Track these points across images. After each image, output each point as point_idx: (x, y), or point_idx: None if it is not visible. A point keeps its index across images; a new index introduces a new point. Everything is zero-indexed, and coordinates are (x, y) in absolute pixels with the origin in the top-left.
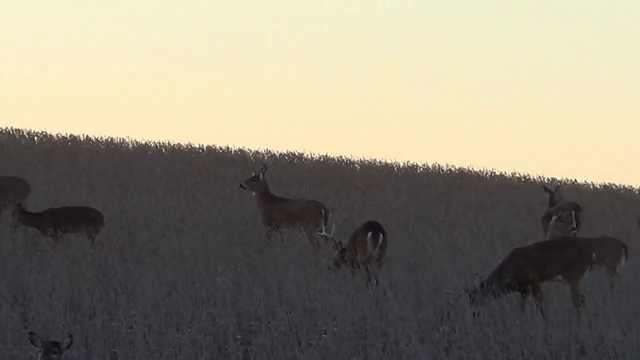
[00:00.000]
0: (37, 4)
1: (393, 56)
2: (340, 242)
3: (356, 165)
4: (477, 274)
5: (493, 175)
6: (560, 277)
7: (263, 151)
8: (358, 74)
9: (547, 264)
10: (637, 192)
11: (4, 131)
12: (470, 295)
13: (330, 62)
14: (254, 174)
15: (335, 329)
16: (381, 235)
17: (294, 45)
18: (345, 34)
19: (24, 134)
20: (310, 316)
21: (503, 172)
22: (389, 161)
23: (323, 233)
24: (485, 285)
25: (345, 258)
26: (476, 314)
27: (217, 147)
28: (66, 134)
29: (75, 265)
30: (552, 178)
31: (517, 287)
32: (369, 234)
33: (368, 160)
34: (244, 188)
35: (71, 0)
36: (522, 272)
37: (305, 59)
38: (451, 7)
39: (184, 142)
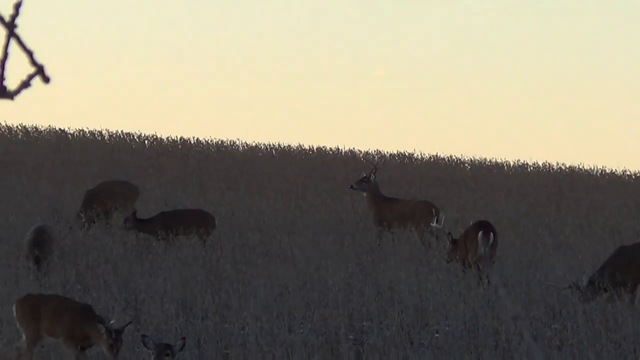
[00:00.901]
0: (143, 9)
1: (503, 56)
2: (450, 232)
3: (466, 165)
4: (585, 272)
5: (603, 173)
6: None
7: (373, 152)
8: (466, 74)
9: None
10: None
11: (114, 135)
12: (575, 291)
13: (439, 63)
14: (364, 175)
15: (447, 328)
16: (492, 234)
17: (402, 46)
18: (451, 35)
19: (135, 137)
20: (422, 316)
21: (614, 170)
22: (499, 160)
23: (434, 224)
24: (591, 282)
25: (457, 251)
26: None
27: (328, 148)
28: (176, 137)
29: (187, 268)
30: None
31: (622, 284)
32: (480, 233)
33: (478, 160)
34: (355, 189)
35: (176, 4)
36: (626, 270)
37: (413, 60)
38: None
39: (294, 144)
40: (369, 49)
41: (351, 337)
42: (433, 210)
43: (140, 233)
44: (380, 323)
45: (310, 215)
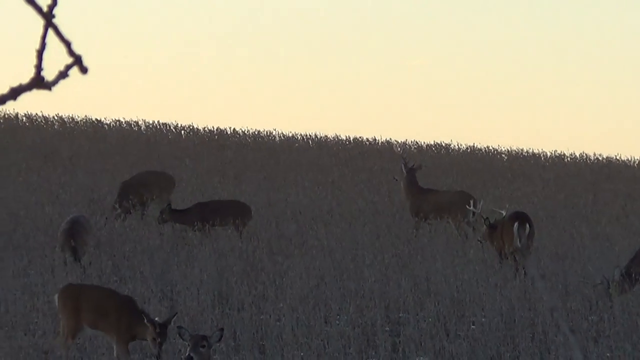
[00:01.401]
0: (183, 3)
1: (540, 46)
2: (487, 218)
3: (503, 156)
4: (617, 266)
5: None
6: None
7: (410, 142)
8: (503, 64)
9: None
10: None
11: (151, 126)
12: (608, 285)
13: (476, 53)
14: (413, 164)
15: (483, 319)
16: (528, 225)
17: (440, 36)
18: (489, 24)
19: (171, 128)
20: (459, 307)
21: None
22: (536, 151)
23: (471, 207)
24: (626, 274)
25: (493, 238)
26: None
27: (364, 138)
28: (213, 128)
29: (223, 259)
30: None
31: None
32: (515, 224)
33: (515, 151)
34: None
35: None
36: None
37: (449, 50)
38: None
39: (330, 134)
40: (405, 38)
41: (387, 328)
42: (470, 200)
43: (177, 224)
44: (417, 314)
45: (346, 206)
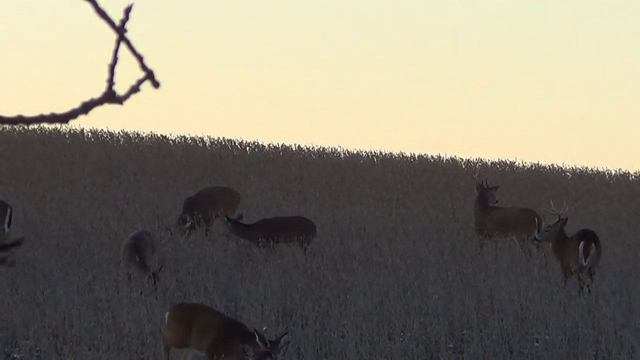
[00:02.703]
0: (247, 15)
1: (604, 64)
2: (560, 215)
3: (568, 174)
4: None
5: None
6: None
7: (474, 159)
8: (568, 83)
9: None
10: None
11: (216, 142)
12: None
13: (539, 72)
14: (487, 184)
15: (547, 337)
16: (594, 244)
17: (501, 55)
18: (551, 43)
19: (236, 144)
20: (522, 324)
21: None
22: (600, 169)
23: (537, 236)
24: None
25: (559, 251)
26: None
27: (429, 156)
28: (278, 144)
29: (287, 275)
30: None
31: None
32: (581, 243)
33: (580, 169)
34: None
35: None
36: None
37: (512, 70)
38: None
39: (395, 151)
40: (466, 57)
41: (451, 345)
42: (535, 218)
43: (241, 239)
44: (481, 331)
45: (410, 223)
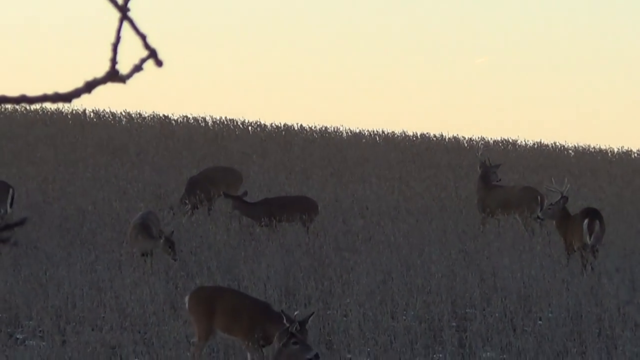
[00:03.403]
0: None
1: (603, 43)
2: (562, 193)
3: (570, 152)
4: None
5: None
6: None
7: (477, 138)
8: (571, 62)
9: None
10: None
11: (218, 122)
12: None
13: (541, 50)
14: (489, 162)
15: (550, 315)
16: (598, 222)
17: (505, 33)
18: (553, 21)
19: (239, 124)
20: (525, 302)
21: None
22: (602, 147)
23: (553, 186)
24: None
25: (563, 228)
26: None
27: (431, 134)
28: (280, 124)
29: (290, 254)
30: None
31: None
32: (586, 221)
33: (582, 147)
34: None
35: None
36: None
37: (516, 47)
38: None
39: (397, 130)
40: (469, 35)
41: (454, 323)
42: (538, 196)
43: (244, 218)
44: (483, 310)
45: (413, 202)
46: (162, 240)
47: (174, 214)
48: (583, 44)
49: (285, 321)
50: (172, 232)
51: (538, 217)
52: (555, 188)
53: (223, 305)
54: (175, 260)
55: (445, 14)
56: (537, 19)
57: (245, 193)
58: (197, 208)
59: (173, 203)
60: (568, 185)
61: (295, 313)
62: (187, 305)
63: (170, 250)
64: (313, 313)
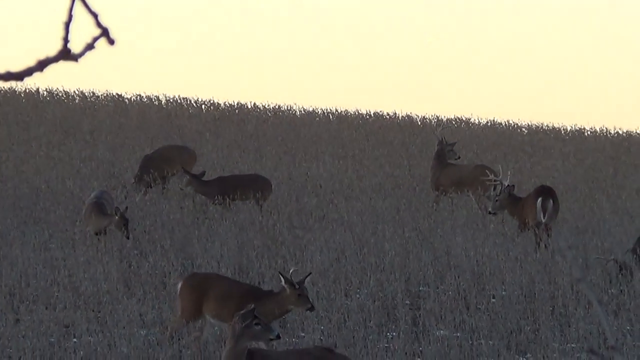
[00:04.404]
0: None
1: (558, 20)
2: (509, 185)
3: (523, 130)
4: (627, 250)
5: None
6: None
7: (430, 116)
8: (523, 38)
9: None
10: None
11: (172, 100)
12: (620, 268)
13: (495, 28)
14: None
15: (503, 293)
16: (552, 200)
17: (452, 12)
18: (506, 2)
19: (192, 102)
20: (479, 280)
21: None
22: (556, 125)
23: (496, 178)
24: (629, 252)
25: (515, 209)
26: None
27: (384, 112)
28: (233, 102)
29: (243, 233)
30: None
31: None
32: (539, 199)
33: (535, 125)
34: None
35: None
36: None
37: (465, 26)
38: None
39: (351, 109)
40: (419, 14)
41: (407, 302)
42: (491, 174)
43: (198, 197)
44: (437, 288)
45: (367, 180)
46: (117, 217)
47: (127, 192)
48: (534, 20)
49: (283, 282)
50: (127, 208)
51: (490, 213)
52: (498, 179)
53: (214, 291)
54: (127, 238)
55: None
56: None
57: (204, 173)
58: (151, 187)
59: (127, 181)
60: (509, 175)
61: (291, 270)
62: (178, 290)
63: (124, 227)
64: (310, 274)
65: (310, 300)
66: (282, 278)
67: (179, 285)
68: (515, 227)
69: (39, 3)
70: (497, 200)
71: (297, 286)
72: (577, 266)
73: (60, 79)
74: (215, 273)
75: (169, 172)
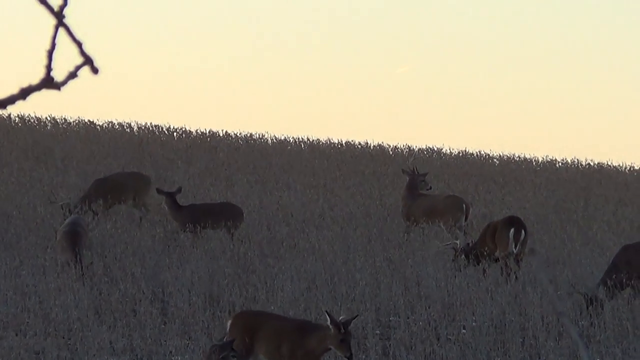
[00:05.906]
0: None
1: (531, 51)
2: (459, 244)
3: (495, 160)
4: (598, 283)
5: (632, 170)
6: None
7: (402, 146)
8: (495, 70)
9: None
10: None
11: (143, 127)
12: (585, 298)
13: (466, 58)
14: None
15: (474, 324)
16: (523, 231)
17: (427, 42)
18: (477, 30)
19: (164, 130)
20: (449, 311)
21: None
22: (527, 156)
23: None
24: (599, 285)
25: (481, 247)
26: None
27: (356, 142)
28: (205, 130)
29: (214, 261)
30: None
31: (629, 284)
32: (512, 230)
33: (507, 155)
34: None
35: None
36: (632, 268)
37: (439, 56)
38: None
39: (323, 138)
40: (392, 45)
41: (378, 331)
42: (463, 205)
43: (169, 224)
44: (408, 318)
45: (338, 209)
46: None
47: (98, 219)
48: (504, 51)
49: (330, 323)
50: (92, 263)
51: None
52: (451, 244)
53: (265, 330)
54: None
55: (368, 23)
56: (459, 25)
57: (180, 189)
58: (97, 214)
59: (97, 208)
60: (464, 235)
61: (340, 318)
62: (227, 328)
63: (80, 269)
64: (357, 315)
65: (351, 349)
66: (328, 318)
67: (229, 323)
68: (487, 259)
69: (22, 31)
70: (458, 258)
71: (342, 329)
72: (557, 300)
73: (32, 105)
74: (262, 310)
75: (123, 199)
